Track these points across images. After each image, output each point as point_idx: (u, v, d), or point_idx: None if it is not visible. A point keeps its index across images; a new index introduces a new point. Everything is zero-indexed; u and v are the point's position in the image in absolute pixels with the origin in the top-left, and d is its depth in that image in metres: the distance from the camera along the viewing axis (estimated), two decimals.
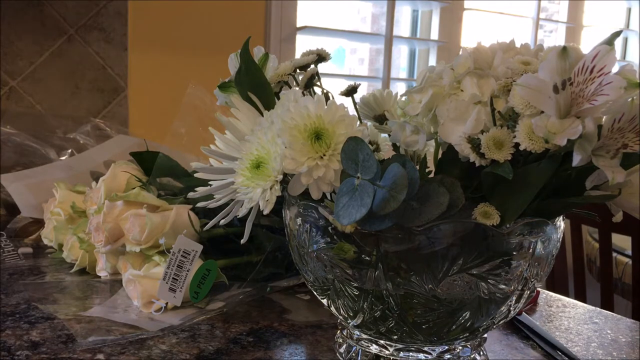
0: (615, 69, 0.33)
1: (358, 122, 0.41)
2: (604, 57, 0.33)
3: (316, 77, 0.50)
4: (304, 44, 1.52)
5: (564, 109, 0.34)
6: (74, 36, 1.19)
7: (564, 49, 0.34)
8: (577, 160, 0.33)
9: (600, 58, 0.33)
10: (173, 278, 0.54)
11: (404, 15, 1.85)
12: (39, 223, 0.80)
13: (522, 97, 0.35)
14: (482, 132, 0.36)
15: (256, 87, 0.49)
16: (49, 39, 1.17)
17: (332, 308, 0.44)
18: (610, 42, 0.35)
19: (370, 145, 0.41)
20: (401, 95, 0.47)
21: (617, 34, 0.36)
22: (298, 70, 0.51)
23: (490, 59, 0.40)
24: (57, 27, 1.18)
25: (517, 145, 0.35)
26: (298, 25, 1.50)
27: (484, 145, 0.35)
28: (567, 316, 0.61)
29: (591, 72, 0.33)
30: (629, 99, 0.33)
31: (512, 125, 0.35)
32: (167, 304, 0.55)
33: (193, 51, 1.34)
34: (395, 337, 0.42)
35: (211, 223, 0.50)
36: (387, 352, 0.43)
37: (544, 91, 0.34)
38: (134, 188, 0.60)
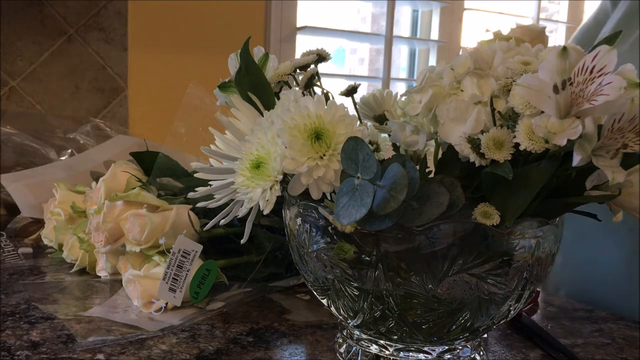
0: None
1: (358, 122, 0.41)
2: (604, 57, 0.33)
3: (316, 77, 0.50)
4: (304, 44, 1.52)
5: (564, 109, 0.34)
6: (74, 36, 1.19)
7: (564, 49, 0.34)
8: (577, 160, 0.33)
9: (600, 58, 0.33)
10: (173, 278, 0.54)
11: (404, 15, 1.85)
12: (39, 223, 0.80)
13: (522, 97, 0.35)
14: (482, 132, 0.36)
15: (256, 87, 0.49)
16: (49, 39, 1.17)
17: (332, 308, 0.44)
18: (610, 42, 0.35)
19: (370, 145, 0.41)
20: (401, 95, 0.47)
21: (617, 34, 0.36)
22: (298, 71, 0.51)
23: (490, 59, 0.40)
24: (57, 27, 1.18)
25: (517, 145, 0.35)
26: (298, 25, 1.50)
27: (484, 145, 0.35)
28: (567, 316, 0.61)
29: (591, 72, 0.33)
30: (629, 99, 0.33)
31: (512, 125, 0.35)
32: (167, 304, 0.55)
33: (193, 51, 1.34)
34: (395, 337, 0.42)
35: (211, 223, 0.50)
36: (387, 352, 0.43)
37: (544, 91, 0.34)
38: (134, 188, 0.60)
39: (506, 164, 0.35)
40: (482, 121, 0.36)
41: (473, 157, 0.36)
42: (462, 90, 0.39)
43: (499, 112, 0.37)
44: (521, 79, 0.35)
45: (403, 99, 0.46)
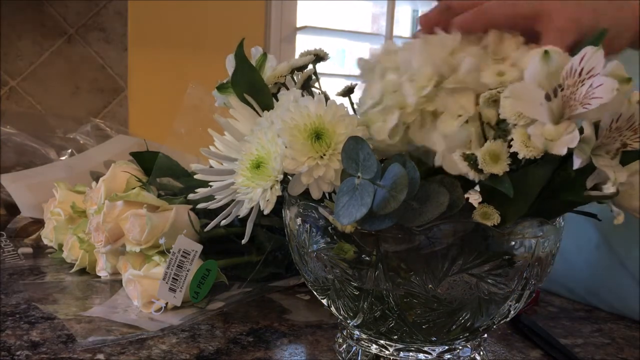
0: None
1: None
2: (591, 59, 0.33)
3: (314, 78, 0.50)
4: (304, 44, 1.52)
5: (557, 113, 0.34)
6: (74, 36, 1.19)
7: (545, 52, 0.34)
8: (577, 163, 0.33)
9: (587, 60, 0.33)
10: (173, 278, 0.54)
11: (404, 15, 1.85)
12: (39, 223, 0.80)
13: (513, 107, 0.34)
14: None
15: (252, 88, 0.49)
16: (49, 39, 1.17)
17: (332, 308, 0.44)
18: (595, 42, 0.34)
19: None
20: (360, 114, 0.41)
21: (603, 33, 0.36)
22: (297, 71, 0.51)
23: (444, 54, 0.37)
24: (57, 27, 1.18)
25: (513, 154, 0.34)
26: (298, 25, 1.50)
27: (480, 161, 0.34)
28: (567, 316, 0.61)
29: (580, 74, 0.33)
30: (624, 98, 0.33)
31: (503, 135, 0.35)
32: (167, 304, 0.55)
33: (193, 51, 1.34)
34: (395, 337, 0.42)
35: (212, 224, 0.50)
36: (387, 352, 0.43)
37: (535, 100, 0.33)
38: (134, 188, 0.60)
39: (505, 177, 0.34)
40: (478, 138, 0.36)
41: (472, 175, 0.35)
42: (442, 112, 0.37)
43: (488, 124, 0.36)
44: (509, 91, 0.34)
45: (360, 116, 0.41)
